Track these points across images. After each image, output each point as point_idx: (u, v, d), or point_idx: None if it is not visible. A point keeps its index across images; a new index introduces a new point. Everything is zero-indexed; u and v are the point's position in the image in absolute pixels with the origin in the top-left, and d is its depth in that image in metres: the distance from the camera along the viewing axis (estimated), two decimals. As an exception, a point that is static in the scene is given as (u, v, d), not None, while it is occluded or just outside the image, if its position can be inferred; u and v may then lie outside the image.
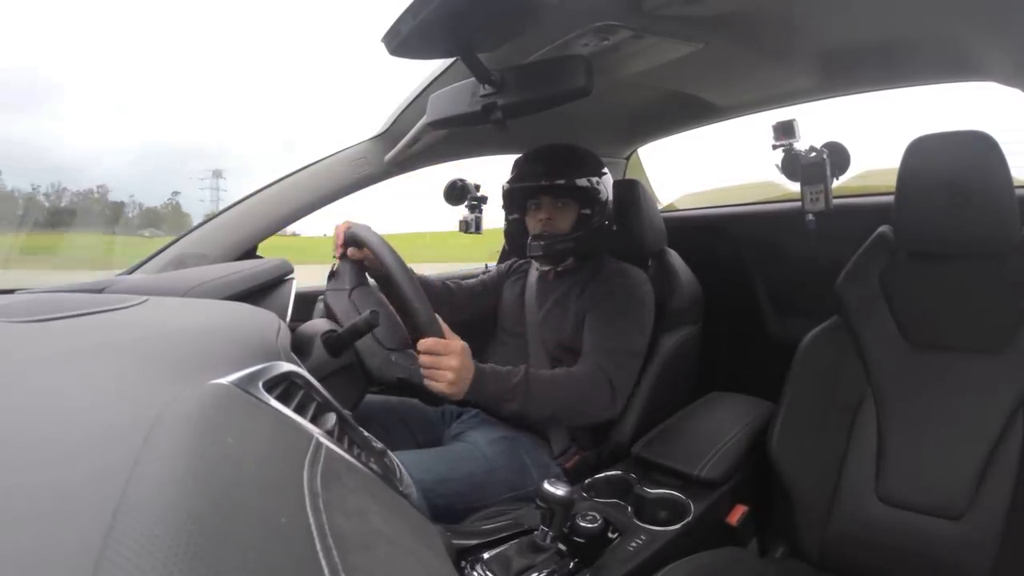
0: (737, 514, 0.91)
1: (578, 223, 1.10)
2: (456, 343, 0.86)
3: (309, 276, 1.31)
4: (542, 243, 1.09)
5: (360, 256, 0.96)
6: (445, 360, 0.84)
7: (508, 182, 1.15)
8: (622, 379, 1.02)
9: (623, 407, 1.03)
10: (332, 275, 0.96)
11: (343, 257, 0.96)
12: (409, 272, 0.81)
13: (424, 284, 1.12)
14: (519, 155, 1.18)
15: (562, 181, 1.08)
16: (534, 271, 1.22)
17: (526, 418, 0.96)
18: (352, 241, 0.92)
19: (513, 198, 1.18)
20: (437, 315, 0.84)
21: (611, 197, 1.14)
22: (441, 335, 0.83)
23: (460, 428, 1.08)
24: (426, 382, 0.85)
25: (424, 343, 0.83)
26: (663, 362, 1.12)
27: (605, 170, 1.15)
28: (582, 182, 1.09)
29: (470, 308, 1.22)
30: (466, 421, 1.11)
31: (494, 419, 1.06)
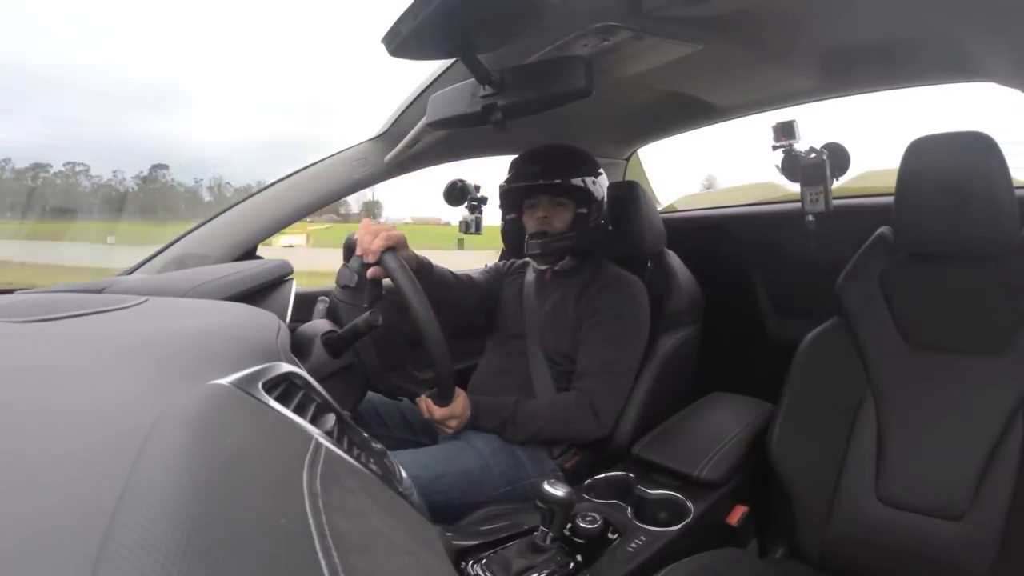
0: (737, 514, 0.91)
1: (575, 222, 1.11)
2: (459, 403, 0.94)
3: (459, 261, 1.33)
4: (539, 241, 1.10)
5: (382, 276, 0.87)
6: (451, 421, 0.95)
7: (505, 182, 1.16)
8: (608, 402, 1.05)
9: (612, 424, 1.06)
10: (345, 286, 0.88)
11: (360, 270, 0.87)
12: (442, 338, 0.78)
13: (422, 268, 1.08)
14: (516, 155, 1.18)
15: (559, 180, 1.09)
16: (531, 272, 1.22)
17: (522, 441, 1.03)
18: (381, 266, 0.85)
19: (510, 198, 1.19)
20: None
21: (606, 197, 1.15)
22: (453, 397, 0.89)
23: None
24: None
25: (436, 413, 0.93)
26: (661, 363, 1.12)
27: (601, 170, 1.16)
28: (578, 181, 1.10)
29: (465, 298, 1.20)
30: None
31: None
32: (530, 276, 1.22)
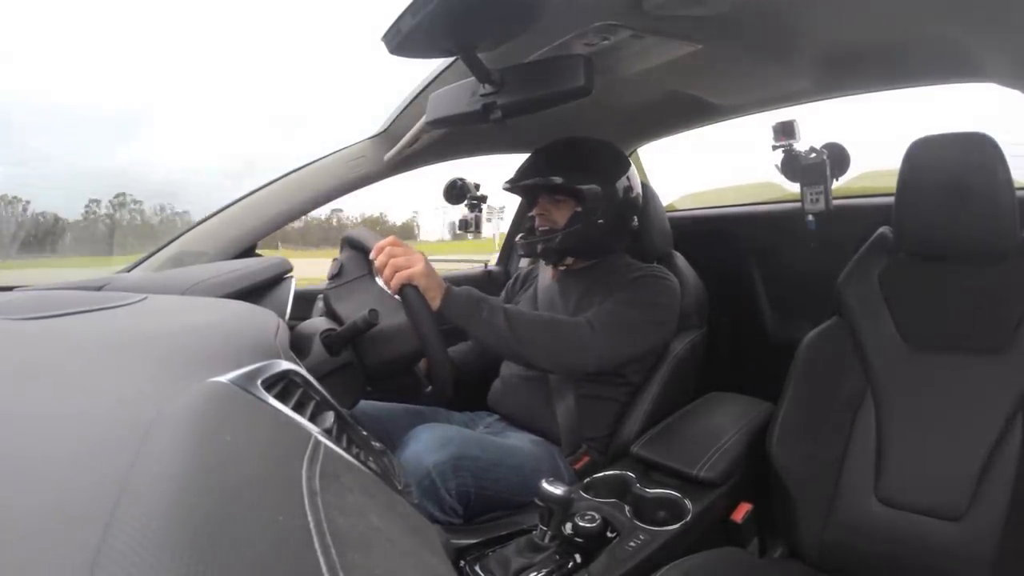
0: (742, 512, 0.91)
1: (570, 220, 1.07)
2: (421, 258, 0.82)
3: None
4: (524, 241, 1.11)
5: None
6: (410, 257, 0.81)
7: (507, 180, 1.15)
8: (616, 336, 0.97)
9: (604, 362, 0.97)
10: (333, 276, 0.91)
11: (343, 249, 0.92)
12: (447, 368, 0.79)
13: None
14: (521, 154, 1.17)
15: (540, 178, 1.06)
16: (545, 276, 1.19)
17: (491, 346, 0.92)
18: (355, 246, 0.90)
19: (523, 194, 1.17)
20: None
21: (629, 193, 1.10)
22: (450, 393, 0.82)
23: (489, 433, 1.07)
24: (396, 275, 0.79)
25: (383, 244, 0.82)
26: (671, 367, 1.10)
27: (624, 166, 1.11)
28: (558, 179, 1.04)
29: None
30: (492, 426, 1.11)
31: (518, 426, 1.08)
32: (545, 280, 1.19)
